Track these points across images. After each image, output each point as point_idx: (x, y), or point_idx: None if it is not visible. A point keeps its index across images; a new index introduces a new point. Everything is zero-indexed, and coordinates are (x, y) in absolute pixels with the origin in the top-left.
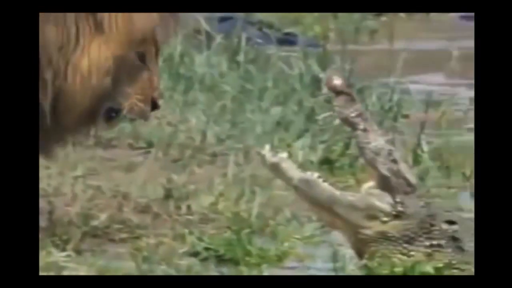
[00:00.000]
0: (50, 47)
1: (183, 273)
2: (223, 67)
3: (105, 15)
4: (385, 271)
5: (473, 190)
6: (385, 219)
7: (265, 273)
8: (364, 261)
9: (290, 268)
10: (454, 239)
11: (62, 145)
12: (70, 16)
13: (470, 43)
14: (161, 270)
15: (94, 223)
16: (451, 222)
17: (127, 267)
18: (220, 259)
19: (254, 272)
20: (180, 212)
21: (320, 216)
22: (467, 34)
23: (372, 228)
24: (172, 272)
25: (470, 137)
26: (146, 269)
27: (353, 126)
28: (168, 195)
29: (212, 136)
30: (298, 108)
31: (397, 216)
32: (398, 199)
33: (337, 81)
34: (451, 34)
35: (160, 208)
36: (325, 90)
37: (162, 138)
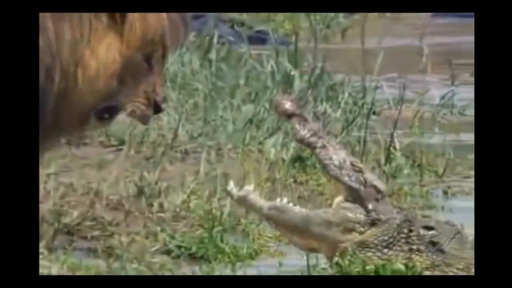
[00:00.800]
0: (62, 46)
1: (155, 271)
2: (195, 65)
3: (127, 14)
4: (356, 269)
5: (445, 188)
6: (362, 229)
7: (238, 271)
8: (335, 259)
9: (262, 266)
10: (433, 243)
11: (56, 145)
12: (85, 14)
13: (442, 40)
14: (133, 268)
15: (66, 220)
16: (429, 228)
17: (99, 265)
18: (192, 257)
19: (227, 270)
20: (152, 209)
21: (294, 240)
22: (438, 31)
23: (350, 240)
24: (144, 270)
25: (441, 135)
26: (117, 267)
27: (310, 145)
28: (140, 193)
29: (184, 133)
30: (270, 105)
31: (373, 224)
32: (370, 207)
33: (287, 105)
34: (423, 32)
35: (132, 206)
36: (297, 87)
37: (134, 136)
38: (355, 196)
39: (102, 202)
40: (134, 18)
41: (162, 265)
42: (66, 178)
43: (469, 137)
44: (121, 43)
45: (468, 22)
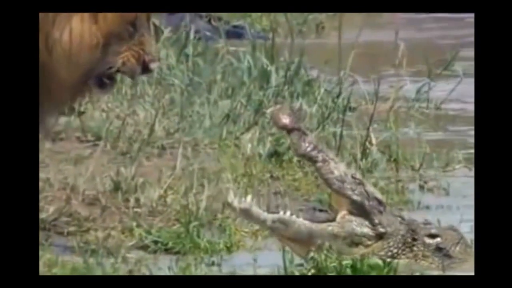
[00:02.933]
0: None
1: (131, 266)
2: (171, 60)
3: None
4: (333, 264)
5: (421, 183)
6: (368, 242)
7: (214, 266)
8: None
9: (238, 261)
10: (440, 249)
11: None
12: None
13: (417, 35)
14: (109, 263)
15: (42, 215)
16: (433, 236)
17: (75, 260)
18: (169, 252)
19: (202, 265)
20: (129, 205)
21: (296, 250)
22: (414, 26)
23: (356, 253)
24: (120, 265)
25: (417, 130)
26: (93, 263)
27: (312, 159)
28: (116, 188)
29: (160, 129)
30: (246, 101)
31: (380, 237)
32: (376, 221)
33: (286, 120)
34: (398, 27)
35: (109, 201)
36: (273, 82)
37: (110, 131)
38: (359, 209)
39: (78, 198)
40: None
41: (138, 260)
42: (42, 173)
43: (444, 131)
44: (95, 16)
45: (443, 17)
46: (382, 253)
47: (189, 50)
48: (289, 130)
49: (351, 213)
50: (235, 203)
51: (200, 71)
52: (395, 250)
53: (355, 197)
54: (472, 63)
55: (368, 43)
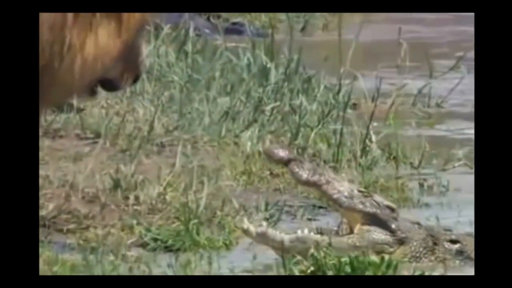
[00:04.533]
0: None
1: (131, 263)
2: (171, 57)
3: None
4: (332, 261)
5: (421, 181)
6: (391, 249)
7: (214, 263)
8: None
9: (238, 258)
10: (461, 252)
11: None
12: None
13: (419, 34)
14: (109, 261)
15: (42, 213)
16: (454, 241)
17: (75, 258)
18: (168, 250)
19: (203, 262)
20: (128, 202)
21: None
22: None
23: None
24: (120, 263)
25: (418, 129)
26: (93, 260)
27: (316, 184)
28: (116, 186)
29: (159, 126)
30: (246, 98)
31: (402, 242)
32: (394, 227)
33: (282, 153)
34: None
35: (108, 199)
36: (272, 79)
37: (110, 129)
38: (374, 220)
39: (77, 195)
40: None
41: (138, 258)
42: (42, 170)
43: (445, 130)
44: (120, 28)
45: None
46: (406, 258)
47: (188, 47)
48: (287, 162)
49: (367, 224)
50: (251, 228)
51: (199, 68)
52: (417, 254)
53: (367, 210)
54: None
55: (370, 41)
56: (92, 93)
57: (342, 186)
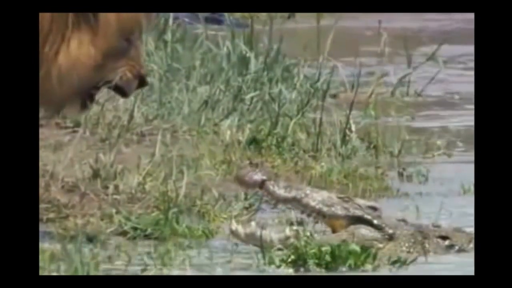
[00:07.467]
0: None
1: (111, 251)
2: (150, 46)
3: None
4: (312, 250)
5: (400, 169)
6: (380, 245)
7: (193, 252)
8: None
9: (217, 247)
10: (452, 245)
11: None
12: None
13: (399, 24)
14: (88, 249)
15: None
16: (444, 238)
17: (55, 247)
18: (148, 238)
19: (181, 251)
20: (108, 191)
21: None
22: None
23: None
24: (99, 251)
25: (396, 118)
26: (72, 249)
27: (295, 199)
28: (95, 175)
29: (139, 115)
30: (225, 87)
31: (390, 238)
32: (381, 224)
33: (256, 176)
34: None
35: (88, 188)
36: (252, 69)
37: (89, 118)
38: (359, 222)
39: (57, 184)
40: (109, 14)
41: (117, 246)
42: None
43: (424, 119)
44: (94, 38)
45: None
46: (397, 253)
47: (168, 36)
48: (261, 184)
49: (354, 229)
50: (240, 229)
51: (179, 57)
52: (407, 249)
53: (351, 214)
54: (454, 53)
55: (350, 29)
56: (83, 106)
57: (321, 196)
